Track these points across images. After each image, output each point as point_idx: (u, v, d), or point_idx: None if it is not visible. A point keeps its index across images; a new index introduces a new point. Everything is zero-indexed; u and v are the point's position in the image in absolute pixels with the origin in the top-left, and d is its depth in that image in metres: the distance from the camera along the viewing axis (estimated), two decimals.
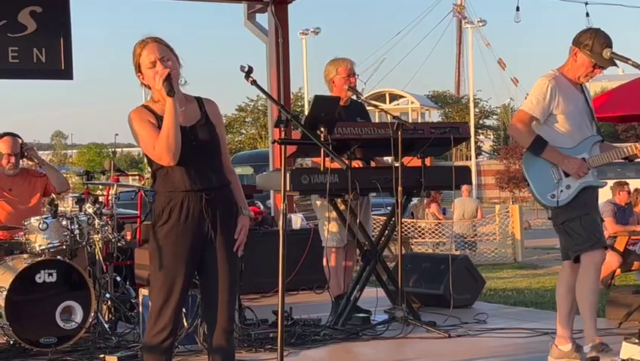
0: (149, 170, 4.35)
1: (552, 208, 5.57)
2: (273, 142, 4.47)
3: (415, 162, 7.14)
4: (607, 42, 5.51)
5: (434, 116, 58.85)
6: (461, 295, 7.88)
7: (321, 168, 6.66)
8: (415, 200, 21.31)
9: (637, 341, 5.20)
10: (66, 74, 9.12)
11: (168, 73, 4.07)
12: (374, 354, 6.39)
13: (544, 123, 5.60)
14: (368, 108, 7.84)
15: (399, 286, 7.00)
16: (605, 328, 6.91)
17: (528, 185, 5.64)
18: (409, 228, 17.39)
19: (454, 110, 58.09)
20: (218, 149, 4.28)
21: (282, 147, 4.21)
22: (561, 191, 5.53)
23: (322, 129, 5.76)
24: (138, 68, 4.20)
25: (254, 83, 4.13)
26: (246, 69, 4.14)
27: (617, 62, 5.56)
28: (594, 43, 5.49)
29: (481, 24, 45.88)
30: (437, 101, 60.76)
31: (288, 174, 6.69)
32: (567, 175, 5.55)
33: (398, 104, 56.04)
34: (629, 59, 5.35)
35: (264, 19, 10.45)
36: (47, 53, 8.98)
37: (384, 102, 54.83)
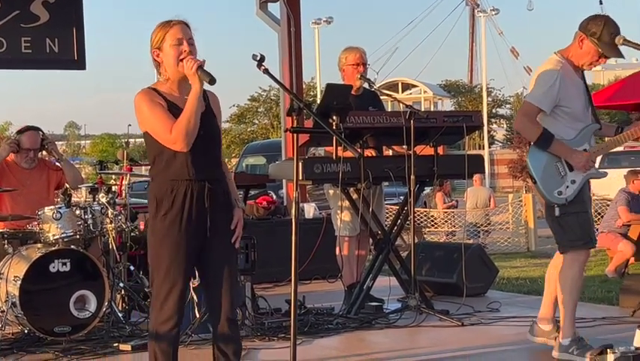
0: None
1: (559, 205, 5.43)
2: (286, 130, 4.48)
3: (428, 150, 7.13)
4: (616, 31, 5.35)
5: (447, 105, 58.76)
6: (474, 283, 7.88)
7: (334, 157, 6.65)
8: (427, 189, 21.34)
9: None
10: (79, 64, 9.15)
11: (203, 61, 4.06)
12: (387, 343, 6.39)
13: (548, 115, 5.43)
14: (381, 98, 7.83)
15: (412, 274, 6.99)
16: (619, 316, 6.93)
17: (535, 182, 5.46)
18: (421, 217, 17.37)
19: (467, 100, 57.91)
20: (220, 141, 4.31)
21: (295, 135, 4.19)
22: (567, 187, 5.43)
23: (334, 118, 5.76)
24: (158, 45, 4.16)
25: (266, 71, 4.13)
26: (258, 58, 4.14)
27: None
28: (603, 32, 5.33)
29: (493, 12, 45.71)
30: (450, 91, 60.63)
31: (300, 163, 6.74)
32: (571, 169, 5.42)
33: (411, 94, 55.99)
34: None
35: (275, 8, 10.45)
36: (60, 43, 9.01)
37: (397, 92, 54.76)
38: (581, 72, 5.59)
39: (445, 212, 18.02)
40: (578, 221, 5.45)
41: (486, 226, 17.85)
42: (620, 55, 5.45)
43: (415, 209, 17.71)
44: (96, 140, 71.60)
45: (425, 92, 56.25)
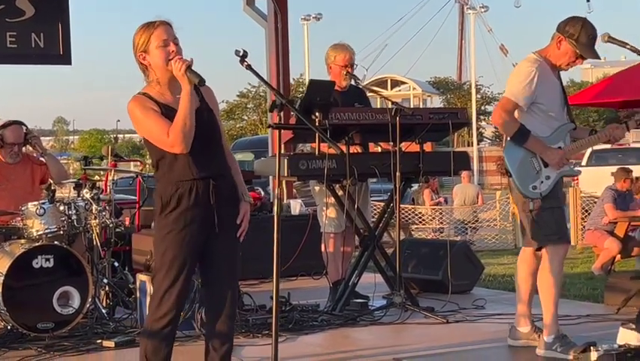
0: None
1: (534, 199, 5.52)
2: (268, 126, 4.45)
3: (416, 147, 7.13)
4: (593, 34, 5.46)
5: (436, 102, 58.77)
6: (460, 280, 7.87)
7: (316, 153, 6.64)
8: (415, 186, 21.35)
9: (634, 326, 5.19)
10: (64, 59, 9.12)
11: (191, 60, 4.05)
12: (372, 340, 6.38)
13: (525, 111, 5.54)
14: (369, 95, 7.82)
15: (397, 271, 6.98)
16: (604, 313, 6.94)
17: (510, 176, 5.57)
18: (409, 214, 17.37)
19: (456, 97, 57.96)
20: (220, 135, 4.28)
21: (279, 131, 4.18)
22: (542, 182, 5.51)
23: (317, 114, 5.74)
24: (143, 48, 4.13)
25: (249, 67, 4.11)
26: (241, 53, 4.12)
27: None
28: (580, 34, 5.43)
29: (483, 10, 45.84)
30: (439, 88, 60.63)
31: (285, 160, 6.74)
32: (546, 165, 5.52)
33: (400, 91, 56.00)
34: (627, 44, 5.31)
35: (263, 4, 10.43)
36: (45, 38, 8.97)
37: (386, 88, 54.77)
38: (558, 72, 5.70)
39: (433, 209, 18.03)
40: (553, 216, 5.53)
41: (473, 223, 17.87)
42: (596, 56, 5.56)
43: (403, 206, 17.71)
44: (85, 135, 71.46)
45: (414, 88, 56.26)
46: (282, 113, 6.80)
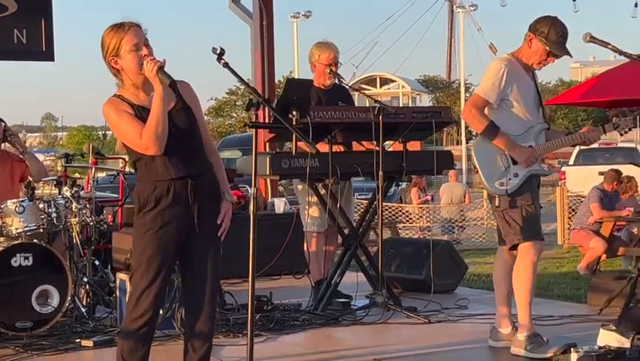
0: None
1: (499, 196, 5.54)
2: (244, 125, 4.40)
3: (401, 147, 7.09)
4: (563, 31, 5.48)
5: (425, 100, 58.82)
6: (443, 280, 7.85)
7: (293, 152, 6.63)
8: (402, 184, 21.33)
9: (614, 328, 5.16)
10: (47, 55, 9.05)
11: (164, 61, 4.01)
12: (353, 339, 6.35)
13: (495, 108, 5.57)
14: (358, 93, 7.79)
15: (379, 271, 6.95)
16: (587, 314, 6.91)
17: (477, 171, 5.61)
18: (396, 212, 17.36)
19: (445, 95, 57.97)
20: (198, 132, 4.23)
21: (255, 131, 4.14)
22: (509, 179, 5.52)
23: (294, 113, 5.71)
24: (114, 52, 4.08)
25: (226, 65, 4.07)
26: (218, 51, 4.08)
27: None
28: (550, 32, 5.45)
29: (472, 8, 45.79)
30: (428, 86, 60.65)
31: (267, 158, 6.70)
32: (515, 163, 5.53)
33: (389, 89, 56.01)
34: (609, 44, 5.28)
35: (248, 1, 10.37)
36: (28, 34, 8.90)
37: (375, 86, 54.81)
38: (532, 73, 5.71)
39: (420, 207, 18.01)
40: (522, 215, 5.52)
41: (461, 222, 17.87)
42: (566, 53, 5.58)
43: (390, 204, 17.66)
44: (73, 132, 71.25)
45: (403, 87, 56.24)
46: (266, 112, 6.79)
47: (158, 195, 4.11)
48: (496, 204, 5.57)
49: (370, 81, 54.89)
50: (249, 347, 4.31)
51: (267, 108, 6.01)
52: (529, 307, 5.57)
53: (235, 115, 53.57)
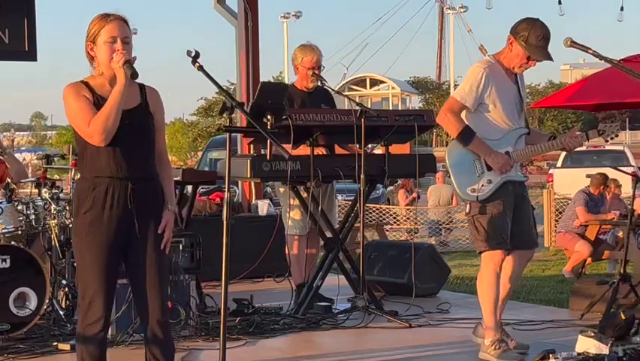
0: None
1: (470, 202, 5.49)
2: (218, 129, 4.36)
3: (397, 149, 7.14)
4: (543, 34, 5.42)
5: (415, 101, 58.84)
6: (426, 284, 7.83)
7: (268, 157, 6.62)
8: (391, 186, 21.28)
9: (592, 334, 5.14)
10: (30, 55, 8.95)
11: (134, 58, 4.00)
12: (333, 344, 6.31)
13: (473, 112, 5.50)
14: (348, 95, 7.77)
15: (360, 274, 6.91)
16: (567, 319, 6.90)
17: (449, 176, 5.55)
18: (384, 214, 17.32)
19: (435, 96, 58.00)
20: (151, 138, 4.17)
21: (229, 134, 4.11)
22: (482, 186, 5.46)
23: (269, 117, 5.68)
24: (92, 38, 4.08)
25: (200, 68, 4.03)
26: (193, 54, 4.04)
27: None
28: (530, 35, 5.40)
29: (462, 10, 45.90)
30: (418, 87, 60.68)
31: (248, 161, 6.68)
32: (489, 169, 5.46)
33: (379, 90, 56.04)
34: (589, 48, 5.22)
35: (234, 2, 10.32)
36: (11, 34, 8.79)
37: (365, 87, 54.85)
38: (515, 77, 5.63)
39: (407, 209, 17.97)
40: (491, 223, 5.46)
41: (448, 224, 17.83)
42: (547, 57, 5.52)
43: (378, 206, 17.58)
44: (62, 130, 70.99)
45: (393, 88, 56.25)
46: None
47: (97, 194, 4.05)
48: (467, 210, 5.53)
49: (360, 82, 54.93)
50: (221, 354, 4.27)
51: None
52: (494, 313, 5.55)
53: (225, 115, 53.40)
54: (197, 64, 4.03)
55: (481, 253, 5.59)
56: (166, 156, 4.33)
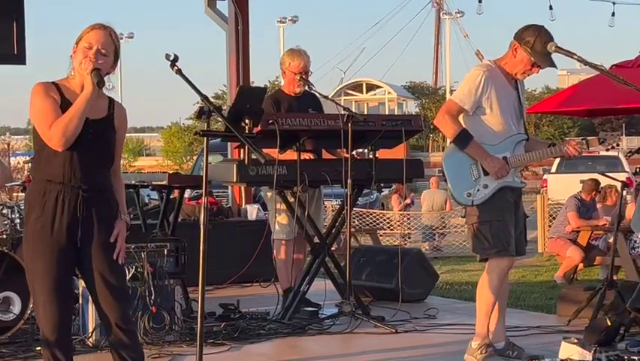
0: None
1: (466, 207, 5.46)
2: (195, 134, 4.35)
3: (390, 154, 7.12)
4: (549, 41, 5.33)
5: (411, 106, 58.83)
6: (413, 289, 7.80)
7: (246, 161, 6.59)
8: (385, 191, 21.27)
9: (576, 340, 5.12)
10: (18, 58, 8.88)
11: (104, 67, 4.01)
12: (318, 349, 6.28)
13: (471, 115, 5.44)
14: (344, 99, 7.75)
15: (347, 279, 6.89)
16: (554, 325, 6.87)
17: (445, 180, 5.50)
18: (377, 219, 17.30)
19: (431, 101, 57.97)
20: (111, 151, 4.17)
21: (206, 139, 4.10)
22: (478, 190, 5.39)
23: (247, 121, 5.66)
24: (77, 41, 4.10)
25: (178, 72, 4.00)
26: (171, 58, 4.02)
27: (591, 56, 5.42)
28: (536, 42, 5.31)
29: (459, 15, 45.94)
30: (414, 92, 60.67)
31: (234, 165, 6.66)
32: (486, 174, 5.40)
33: (375, 94, 56.02)
34: (574, 54, 5.21)
35: (224, 6, 10.30)
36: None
37: (362, 92, 54.83)
38: (516, 83, 5.57)
39: (401, 214, 17.96)
40: (490, 230, 5.41)
41: (441, 229, 17.82)
42: (552, 64, 5.45)
43: (371, 211, 17.56)
44: None
45: (389, 92, 56.23)
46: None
47: (47, 201, 4.01)
48: (462, 215, 5.52)
49: (357, 87, 54.91)
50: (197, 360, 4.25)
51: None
52: (488, 319, 5.52)
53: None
54: (176, 67, 4.01)
55: (482, 260, 5.54)
56: (119, 170, 4.33)
